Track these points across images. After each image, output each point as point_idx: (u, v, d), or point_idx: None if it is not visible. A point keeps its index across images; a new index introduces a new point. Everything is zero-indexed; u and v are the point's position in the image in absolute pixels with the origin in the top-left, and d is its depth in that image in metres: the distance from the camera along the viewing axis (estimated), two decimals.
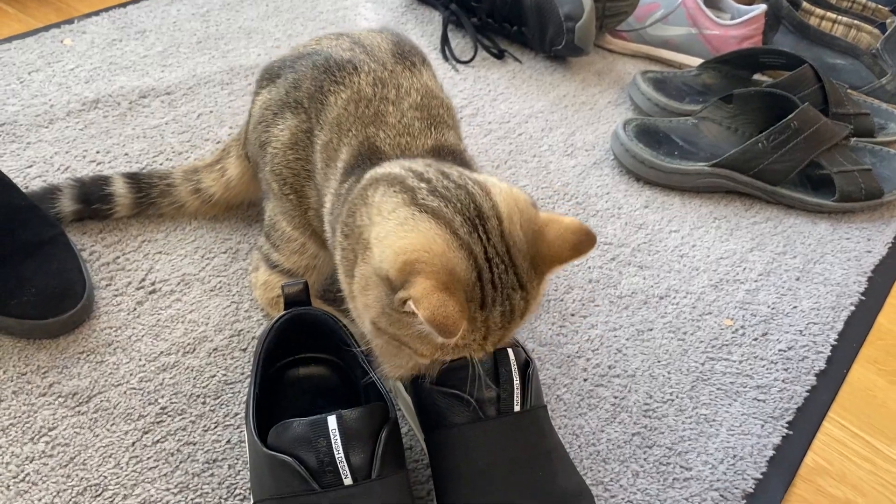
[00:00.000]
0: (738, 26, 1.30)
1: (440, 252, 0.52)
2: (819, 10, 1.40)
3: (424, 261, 0.51)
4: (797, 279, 0.96)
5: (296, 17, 1.31)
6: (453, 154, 0.66)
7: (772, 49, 1.22)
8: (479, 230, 0.54)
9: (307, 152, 0.71)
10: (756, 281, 0.95)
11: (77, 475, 0.65)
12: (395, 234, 0.54)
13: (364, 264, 0.56)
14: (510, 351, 0.62)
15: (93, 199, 0.85)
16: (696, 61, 1.30)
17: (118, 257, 0.84)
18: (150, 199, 0.86)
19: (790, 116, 1.03)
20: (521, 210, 0.56)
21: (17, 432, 0.68)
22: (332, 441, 0.54)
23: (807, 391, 0.83)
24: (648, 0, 1.34)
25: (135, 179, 0.86)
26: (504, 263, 0.54)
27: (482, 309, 0.54)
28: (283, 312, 0.66)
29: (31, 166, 0.94)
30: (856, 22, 1.38)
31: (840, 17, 1.39)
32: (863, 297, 0.95)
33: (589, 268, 0.93)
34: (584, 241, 0.55)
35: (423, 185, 0.56)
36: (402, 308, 0.52)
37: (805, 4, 1.41)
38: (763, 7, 1.31)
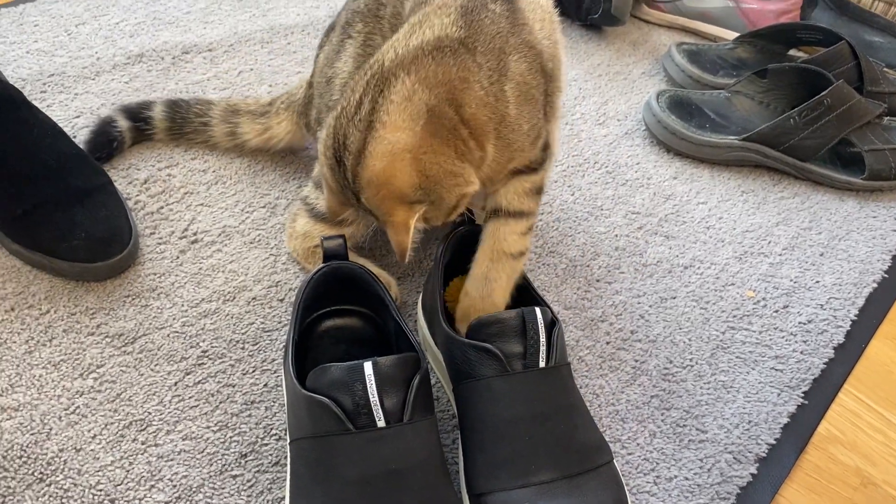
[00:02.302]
0: (776, 0, 1.30)
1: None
2: None
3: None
4: (821, 255, 0.98)
5: None
6: None
7: (809, 25, 1.22)
8: (339, 158, 0.62)
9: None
10: (780, 255, 0.97)
11: (123, 410, 0.70)
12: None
13: None
14: (538, 310, 0.65)
15: (137, 119, 0.92)
16: (732, 35, 1.31)
17: (162, 207, 0.88)
18: (182, 133, 0.94)
19: (823, 93, 1.04)
20: (380, 175, 0.60)
21: (67, 368, 0.72)
22: (368, 385, 0.57)
23: (824, 363, 0.85)
24: None
25: (172, 109, 0.93)
26: (347, 181, 0.62)
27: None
28: (323, 265, 0.69)
29: (78, 116, 0.97)
30: None
31: None
32: (886, 275, 0.97)
33: (616, 236, 0.95)
34: None
35: (353, 101, 0.61)
36: None
37: None
38: None
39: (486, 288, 0.71)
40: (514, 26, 0.64)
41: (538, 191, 0.71)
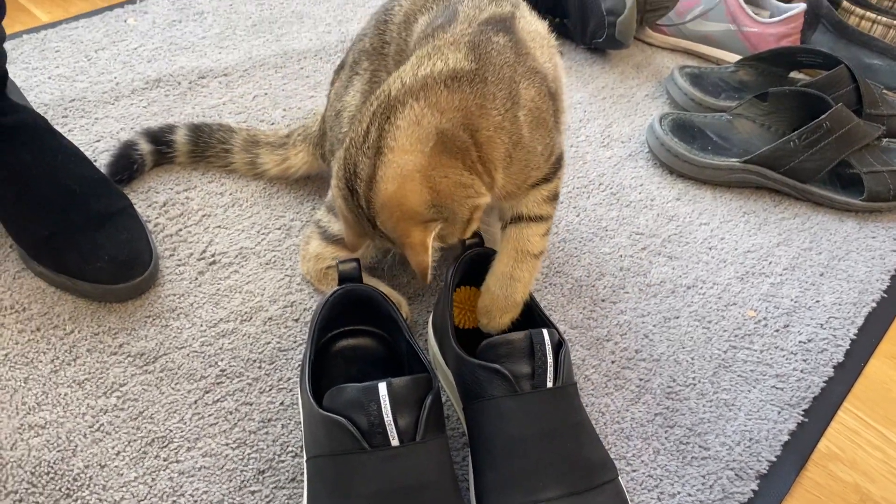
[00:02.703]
0: (776, 24, 1.33)
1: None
2: (859, 10, 1.42)
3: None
4: (821, 275, 1.00)
5: (346, 2, 1.36)
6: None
7: (809, 48, 1.24)
8: (351, 187, 0.65)
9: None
10: (781, 275, 0.99)
11: (145, 427, 0.72)
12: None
13: None
14: (545, 332, 0.68)
15: (159, 142, 0.96)
16: (734, 58, 1.33)
17: (181, 230, 0.90)
18: (204, 157, 0.98)
19: (823, 117, 1.06)
20: (392, 198, 0.63)
21: (91, 386, 0.74)
22: (382, 406, 0.59)
23: (824, 382, 0.87)
24: None
25: (196, 133, 0.97)
26: (361, 208, 0.65)
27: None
28: (338, 287, 0.72)
29: (98, 140, 1.00)
30: (895, 22, 1.39)
31: (880, 17, 1.41)
32: (884, 295, 0.99)
33: (620, 256, 0.98)
34: None
35: (361, 131, 0.64)
36: None
37: (844, 3, 1.43)
38: (802, 6, 1.33)
39: (510, 287, 0.74)
40: (519, 55, 0.68)
41: (554, 197, 0.75)
